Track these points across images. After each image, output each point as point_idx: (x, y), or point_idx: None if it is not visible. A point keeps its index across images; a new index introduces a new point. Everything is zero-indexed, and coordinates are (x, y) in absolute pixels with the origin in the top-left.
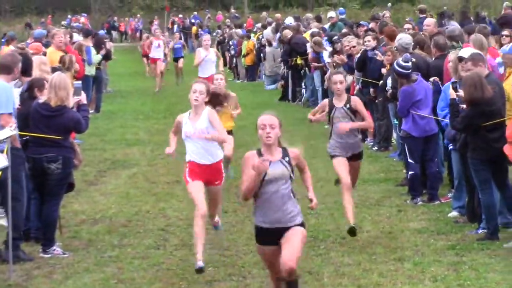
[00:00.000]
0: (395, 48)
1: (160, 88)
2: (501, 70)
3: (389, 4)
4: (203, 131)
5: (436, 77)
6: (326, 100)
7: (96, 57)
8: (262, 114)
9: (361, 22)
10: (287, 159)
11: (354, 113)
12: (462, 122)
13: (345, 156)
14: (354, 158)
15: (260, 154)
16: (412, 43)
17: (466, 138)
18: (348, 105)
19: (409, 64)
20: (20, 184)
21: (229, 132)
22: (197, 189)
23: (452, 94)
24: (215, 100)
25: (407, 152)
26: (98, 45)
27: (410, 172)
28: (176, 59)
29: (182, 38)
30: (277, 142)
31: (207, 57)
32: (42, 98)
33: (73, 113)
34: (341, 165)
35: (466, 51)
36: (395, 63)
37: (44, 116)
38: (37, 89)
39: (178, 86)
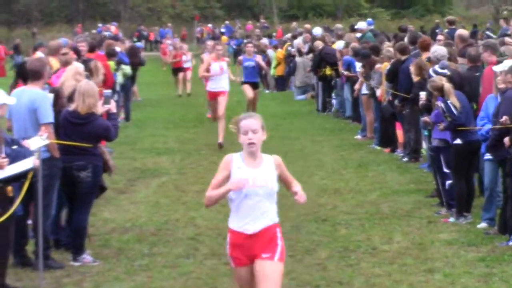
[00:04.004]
0: (427, 60)
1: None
2: None
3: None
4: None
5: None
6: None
7: (126, 67)
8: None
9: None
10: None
11: None
12: None
13: None
14: None
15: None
16: (447, 55)
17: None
18: None
19: (446, 70)
20: (51, 193)
21: None
22: None
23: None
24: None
25: (443, 162)
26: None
27: (448, 182)
28: (254, 85)
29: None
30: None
31: None
32: (71, 106)
33: (102, 121)
34: None
35: (505, 64)
36: (431, 70)
37: (74, 124)
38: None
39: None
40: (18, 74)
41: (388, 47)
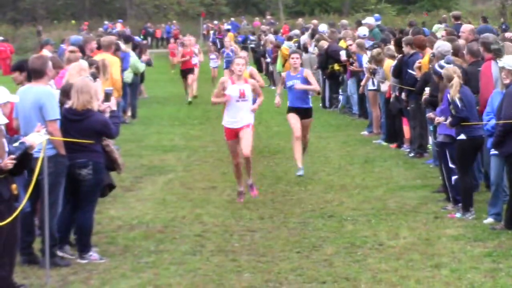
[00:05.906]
0: (432, 55)
1: None
2: None
3: None
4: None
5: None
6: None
7: (140, 65)
8: None
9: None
10: None
11: None
12: None
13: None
14: None
15: None
16: (451, 51)
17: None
18: None
19: (451, 66)
20: (58, 191)
21: None
22: None
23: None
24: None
25: (448, 158)
26: (140, 53)
27: (454, 177)
28: (303, 113)
29: (218, 45)
30: None
31: None
32: (68, 103)
33: (100, 116)
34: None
35: (507, 60)
36: (436, 65)
37: (71, 121)
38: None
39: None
40: (13, 70)
41: (389, 45)
